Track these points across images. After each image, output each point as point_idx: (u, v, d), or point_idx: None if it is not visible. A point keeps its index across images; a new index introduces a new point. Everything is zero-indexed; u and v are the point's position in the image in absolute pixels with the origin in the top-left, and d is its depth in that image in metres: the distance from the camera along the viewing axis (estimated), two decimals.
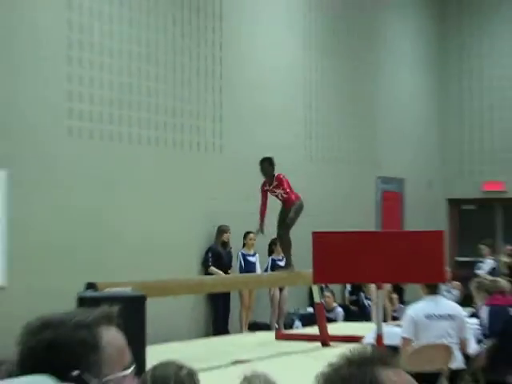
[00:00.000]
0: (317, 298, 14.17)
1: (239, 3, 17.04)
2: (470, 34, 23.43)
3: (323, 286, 15.76)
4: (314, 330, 14.38)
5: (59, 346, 2.08)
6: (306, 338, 14.06)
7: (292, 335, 14.83)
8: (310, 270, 9.61)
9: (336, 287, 17.63)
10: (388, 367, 1.88)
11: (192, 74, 16.00)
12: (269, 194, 13.22)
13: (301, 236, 13.67)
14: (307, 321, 16.61)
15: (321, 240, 8.29)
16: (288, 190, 13.11)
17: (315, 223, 14.68)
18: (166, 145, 15.43)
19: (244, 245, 16.44)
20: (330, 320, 15.72)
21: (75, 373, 1.47)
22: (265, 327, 16.39)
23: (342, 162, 19.67)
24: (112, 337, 2.16)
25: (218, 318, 16.09)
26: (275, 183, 13.13)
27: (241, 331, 16.02)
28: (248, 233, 16.24)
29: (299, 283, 15.19)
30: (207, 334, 15.67)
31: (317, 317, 14.13)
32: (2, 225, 12.65)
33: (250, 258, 16.32)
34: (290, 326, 16.92)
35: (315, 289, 14.14)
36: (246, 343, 14.03)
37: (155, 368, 4.12)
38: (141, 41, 14.99)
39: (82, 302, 8.39)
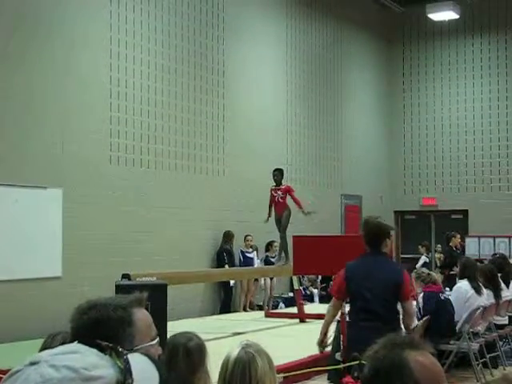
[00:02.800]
0: (296, 286, 14.15)
1: (237, 62, 17.08)
2: (410, 89, 23.56)
3: (301, 276, 15.76)
4: (293, 309, 14.37)
5: (102, 323, 2.09)
6: (288, 316, 14.04)
7: (277, 313, 14.82)
8: (291, 264, 9.64)
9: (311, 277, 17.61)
10: (415, 350, 1.82)
11: (203, 117, 16.02)
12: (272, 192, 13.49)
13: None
14: (289, 303, 16.61)
15: (299, 242, 8.29)
16: (284, 197, 13.42)
17: (295, 229, 14.69)
18: (183, 170, 15.44)
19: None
20: (309, 299, 15.75)
21: (111, 345, 1.48)
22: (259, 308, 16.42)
23: (314, 183, 19.68)
24: (142, 315, 2.17)
25: (222, 301, 16.07)
26: (281, 187, 13.51)
27: (239, 310, 16.00)
28: (246, 235, 16.26)
29: (283, 274, 15.19)
30: (214, 313, 15.64)
31: (296, 300, 14.12)
32: (59, 229, 12.64)
33: (248, 255, 16.31)
34: (275, 306, 16.91)
35: (295, 278, 14.13)
36: (242, 320, 14.01)
37: (170, 338, 4.07)
38: (165, 92, 15.01)
39: (119, 288, 8.33)
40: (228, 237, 15.96)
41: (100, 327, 2.06)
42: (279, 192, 13.47)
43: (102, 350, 1.49)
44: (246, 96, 17.37)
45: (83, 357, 1.45)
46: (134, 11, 14.43)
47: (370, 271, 6.34)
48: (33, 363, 1.44)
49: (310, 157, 19.56)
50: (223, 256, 15.76)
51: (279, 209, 13.50)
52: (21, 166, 12.09)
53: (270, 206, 13.59)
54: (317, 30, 20.09)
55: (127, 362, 1.47)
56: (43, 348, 4.01)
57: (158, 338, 2.23)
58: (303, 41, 19.49)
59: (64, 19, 12.94)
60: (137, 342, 2.13)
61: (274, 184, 13.64)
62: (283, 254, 13.80)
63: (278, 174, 13.80)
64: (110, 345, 1.48)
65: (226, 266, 15.42)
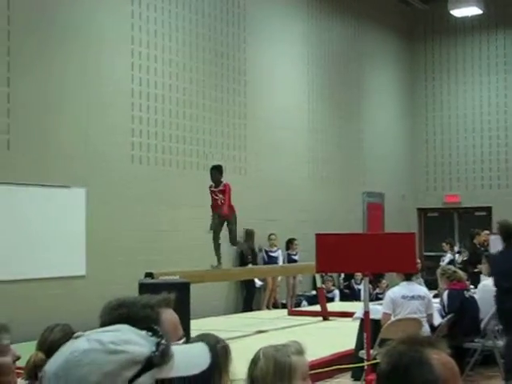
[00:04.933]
0: (319, 284, 14.14)
1: (259, 61, 17.07)
2: (433, 86, 23.43)
3: (323, 274, 15.74)
4: (316, 307, 14.35)
5: (130, 321, 2.09)
6: (312, 314, 14.03)
7: (301, 311, 14.81)
8: (313, 263, 9.61)
9: (333, 275, 17.57)
10: (434, 348, 1.82)
11: (224, 116, 16.04)
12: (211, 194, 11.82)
13: (308, 237, 13.68)
14: (311, 301, 16.58)
15: (322, 240, 8.27)
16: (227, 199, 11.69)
17: (317, 227, 14.67)
18: (204, 169, 15.40)
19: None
20: (329, 300, 15.68)
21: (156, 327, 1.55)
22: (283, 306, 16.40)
23: (336, 181, 19.63)
24: (169, 315, 2.18)
25: (245, 299, 16.07)
26: (221, 188, 11.70)
27: (262, 309, 15.99)
28: (270, 234, 16.26)
29: (305, 272, 15.16)
30: (237, 311, 15.64)
31: (319, 298, 14.09)
32: (83, 228, 12.71)
33: (272, 254, 16.29)
34: (298, 304, 16.89)
35: (318, 277, 14.11)
36: (265, 318, 14.01)
37: (197, 338, 4.05)
38: (187, 91, 15.04)
39: (143, 287, 8.37)
40: (249, 235, 15.96)
41: (127, 324, 2.08)
42: (219, 195, 11.70)
43: (152, 331, 1.56)
44: (267, 94, 17.36)
45: (121, 334, 1.49)
46: (156, 10, 14.47)
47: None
48: (76, 337, 1.51)
49: (332, 155, 19.50)
50: (245, 255, 15.76)
51: (224, 209, 11.70)
52: (45, 166, 12.17)
53: (214, 209, 11.85)
54: (338, 27, 20.03)
55: (166, 345, 1.48)
56: (42, 340, 4.04)
57: (184, 339, 2.23)
58: (324, 39, 19.44)
59: (88, 20, 13.00)
60: None
61: (213, 184, 11.83)
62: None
63: (216, 172, 11.91)
64: (155, 327, 1.55)
65: (250, 265, 15.42)
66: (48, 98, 12.30)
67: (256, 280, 15.91)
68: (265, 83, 17.31)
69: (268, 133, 17.19)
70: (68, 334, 4.02)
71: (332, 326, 12.75)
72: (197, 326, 7.52)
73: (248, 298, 16.04)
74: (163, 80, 14.55)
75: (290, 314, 14.38)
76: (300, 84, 18.61)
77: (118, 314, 2.12)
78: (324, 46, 19.45)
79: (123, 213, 13.41)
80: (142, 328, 2.06)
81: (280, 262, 16.15)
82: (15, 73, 11.87)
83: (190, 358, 1.55)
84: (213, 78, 15.75)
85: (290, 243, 16.64)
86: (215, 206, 11.75)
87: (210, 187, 11.82)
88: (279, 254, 16.39)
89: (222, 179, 11.86)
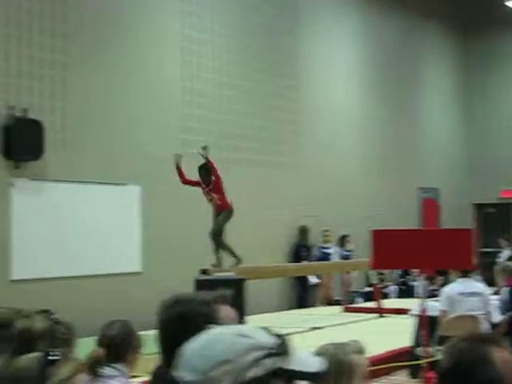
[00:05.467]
0: (373, 280, 14.04)
1: (311, 57, 17.00)
2: (488, 80, 23.06)
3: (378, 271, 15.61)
4: (371, 304, 14.25)
5: (187, 317, 2.09)
6: (367, 311, 13.94)
7: (356, 308, 14.72)
8: (367, 259, 9.54)
9: (386, 271, 17.42)
10: (497, 346, 1.79)
11: (276, 112, 16.00)
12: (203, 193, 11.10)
13: (362, 233, 13.56)
14: (366, 297, 16.47)
15: (378, 236, 8.20)
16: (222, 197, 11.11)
17: (371, 223, 14.56)
18: (257, 165, 15.45)
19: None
20: (385, 296, 15.57)
21: None
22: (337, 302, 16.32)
23: (390, 176, 19.46)
24: (226, 312, 2.17)
25: (299, 295, 16.04)
26: (212, 187, 11.04)
27: (316, 305, 15.93)
28: (325, 230, 16.19)
29: (360, 269, 15.08)
30: (291, 307, 15.61)
31: (374, 294, 14.00)
32: (138, 225, 12.84)
33: (326, 250, 16.23)
34: (353, 301, 16.78)
35: (372, 273, 14.01)
36: (320, 314, 13.97)
37: None
38: (238, 87, 15.05)
39: (198, 283, 8.41)
40: (304, 232, 15.93)
41: (184, 321, 2.08)
42: (214, 194, 11.02)
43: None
44: (320, 90, 17.28)
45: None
46: (205, 7, 14.49)
47: None
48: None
49: (386, 150, 19.33)
50: (300, 251, 15.73)
51: (219, 208, 11.18)
52: (101, 164, 12.31)
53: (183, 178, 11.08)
54: (391, 23, 19.83)
55: (286, 339, 1.63)
56: (101, 336, 4.10)
57: None
58: (377, 35, 19.26)
59: (139, 19, 13.11)
60: None
61: (204, 186, 11.09)
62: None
63: (203, 172, 11.06)
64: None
65: (304, 262, 15.39)
66: (106, 98, 12.45)
67: (310, 277, 15.85)
68: (317, 79, 17.23)
69: (321, 128, 17.12)
70: (127, 331, 4.05)
71: (388, 323, 12.65)
72: (251, 323, 7.51)
73: (303, 295, 16.00)
74: (213, 77, 14.58)
75: (345, 310, 14.30)
76: (353, 79, 18.48)
77: (174, 311, 2.12)
78: (377, 42, 19.28)
79: (177, 209, 13.47)
80: (200, 324, 2.05)
81: (333, 259, 16.09)
82: (71, 73, 12.02)
83: (305, 357, 1.67)
84: (264, 73, 15.72)
85: (343, 239, 16.55)
86: (215, 207, 11.10)
87: (203, 189, 11.05)
88: (333, 250, 16.31)
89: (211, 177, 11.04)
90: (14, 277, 11.12)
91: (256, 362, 1.55)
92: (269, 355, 1.57)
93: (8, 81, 11.26)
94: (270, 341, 1.60)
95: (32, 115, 11.38)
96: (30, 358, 1.91)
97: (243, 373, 1.53)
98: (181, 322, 2.05)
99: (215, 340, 1.60)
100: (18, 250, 11.15)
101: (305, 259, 15.56)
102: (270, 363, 1.56)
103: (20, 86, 11.39)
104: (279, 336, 1.63)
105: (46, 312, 2.82)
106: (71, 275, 10.45)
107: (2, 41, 11.16)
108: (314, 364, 1.66)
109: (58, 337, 2.67)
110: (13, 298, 10.42)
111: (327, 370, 1.76)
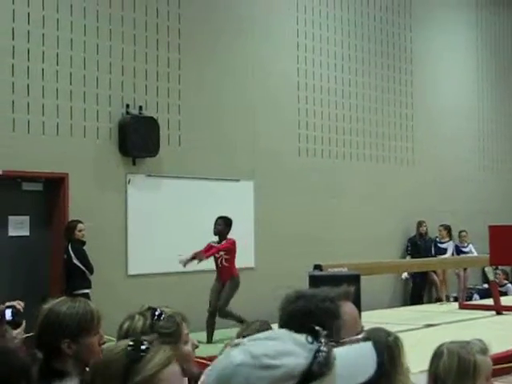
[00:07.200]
0: (491, 277, 13.70)
1: (425, 49, 16.69)
2: None
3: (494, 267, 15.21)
4: (488, 301, 13.91)
5: (309, 313, 2.08)
6: (484, 308, 13.61)
7: (472, 305, 14.40)
8: (484, 255, 9.32)
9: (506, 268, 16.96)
10: None
11: (391, 106, 15.82)
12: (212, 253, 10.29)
13: (479, 228, 13.24)
14: (483, 294, 16.08)
15: (496, 232, 8.00)
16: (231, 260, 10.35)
17: (489, 218, 14.19)
18: (371, 160, 15.33)
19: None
20: (502, 294, 15.15)
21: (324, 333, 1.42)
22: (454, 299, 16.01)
23: (510, 171, 18.91)
24: (349, 309, 2.15)
25: (413, 291, 15.81)
26: (223, 244, 10.33)
27: (431, 302, 15.67)
28: (440, 225, 15.92)
29: (478, 265, 14.74)
30: (405, 304, 15.41)
31: (492, 291, 13.65)
32: (251, 220, 12.94)
33: (442, 245, 15.92)
34: (469, 298, 16.42)
35: (490, 269, 13.67)
36: (436, 311, 13.74)
37: (367, 333, 4.03)
38: (352, 82, 14.95)
39: (312, 279, 8.36)
40: (420, 227, 15.74)
41: (307, 317, 2.06)
42: (221, 252, 10.27)
43: (313, 335, 1.42)
44: (435, 83, 16.95)
45: (277, 343, 1.35)
46: (320, 3, 14.46)
47: None
48: (235, 345, 1.41)
49: (503, 144, 18.78)
50: (415, 246, 15.53)
51: (223, 274, 10.37)
52: (215, 160, 12.47)
53: (198, 253, 10.23)
54: (507, 12, 19.25)
55: (327, 351, 1.34)
56: (238, 335, 4.13)
57: (363, 333, 2.19)
58: (494, 25, 18.73)
59: (252, 14, 13.19)
60: (343, 334, 2.11)
61: (216, 240, 10.39)
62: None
63: (222, 223, 10.35)
64: (324, 332, 1.40)
65: (420, 257, 15.15)
66: (217, 93, 12.60)
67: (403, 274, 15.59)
68: (432, 72, 16.90)
69: (436, 122, 16.81)
70: (265, 330, 4.07)
71: (506, 321, 12.30)
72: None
73: (416, 291, 15.77)
74: (328, 72, 14.54)
75: (461, 307, 14.00)
76: (468, 72, 18.03)
77: (295, 306, 2.11)
78: (493, 32, 18.74)
79: (290, 204, 13.51)
80: (324, 320, 2.04)
81: (448, 254, 15.79)
82: (184, 70, 12.22)
83: (354, 364, 1.42)
84: (378, 68, 15.57)
85: (459, 235, 16.23)
86: (216, 268, 10.43)
87: (212, 243, 10.37)
88: (449, 245, 16.01)
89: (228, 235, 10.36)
90: (130, 272, 11.41)
91: None
92: (301, 382, 1.30)
93: (124, 79, 11.54)
94: (303, 362, 1.32)
95: (147, 113, 11.63)
96: (118, 348, 1.87)
97: None
98: (303, 318, 2.04)
99: (231, 378, 1.32)
100: (133, 246, 11.43)
101: (419, 254, 15.32)
102: None
103: (135, 84, 11.66)
104: (319, 340, 1.35)
105: (149, 309, 2.85)
106: (184, 270, 10.61)
107: (118, 40, 11.45)
108: (364, 369, 1.40)
109: (162, 332, 2.69)
110: (129, 292, 10.70)
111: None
